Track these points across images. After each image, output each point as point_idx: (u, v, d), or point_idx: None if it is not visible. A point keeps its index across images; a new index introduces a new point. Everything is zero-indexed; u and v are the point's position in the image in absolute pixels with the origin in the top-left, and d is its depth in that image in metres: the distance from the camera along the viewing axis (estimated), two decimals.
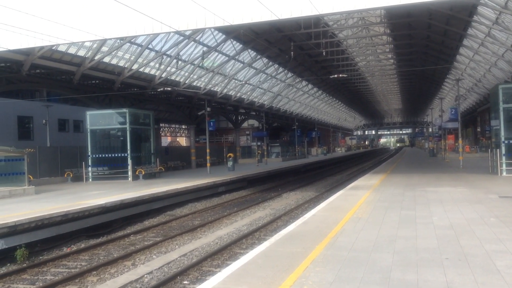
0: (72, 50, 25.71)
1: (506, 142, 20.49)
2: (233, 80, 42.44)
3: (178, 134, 74.87)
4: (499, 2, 24.27)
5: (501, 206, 11.38)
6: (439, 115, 52.68)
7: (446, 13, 28.97)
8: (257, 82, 46.62)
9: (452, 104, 53.27)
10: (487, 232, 8.36)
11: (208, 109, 32.91)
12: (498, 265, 6.23)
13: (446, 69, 47.93)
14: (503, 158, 20.48)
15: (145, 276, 9.94)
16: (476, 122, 65.35)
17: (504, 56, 33.52)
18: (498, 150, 20.89)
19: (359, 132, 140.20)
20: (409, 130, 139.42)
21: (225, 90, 43.07)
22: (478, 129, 64.51)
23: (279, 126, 69.70)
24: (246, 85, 45.09)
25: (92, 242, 13.70)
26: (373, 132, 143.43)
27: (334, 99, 77.74)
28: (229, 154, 35.29)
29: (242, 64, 39.85)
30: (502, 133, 20.56)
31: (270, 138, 62.87)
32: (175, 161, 40.29)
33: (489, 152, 24.02)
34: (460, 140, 32.00)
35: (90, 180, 26.60)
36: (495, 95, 21.54)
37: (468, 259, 6.56)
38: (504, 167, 20.43)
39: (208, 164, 32.23)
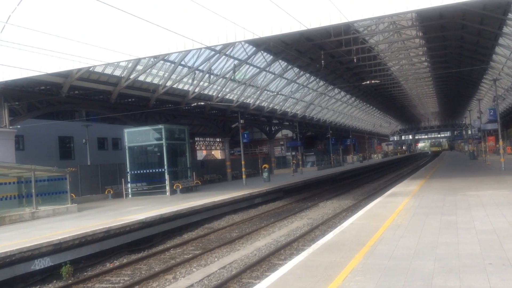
0: (108, 70, 26.55)
1: None
2: (265, 91, 42.65)
3: (213, 148, 75.56)
4: None
5: None
6: (477, 116, 51.24)
7: (479, 12, 28.31)
8: (289, 92, 46.69)
9: (490, 104, 51.71)
10: None
11: (242, 121, 33.19)
12: None
13: (483, 70, 46.63)
14: None
15: None
16: None
17: None
18: None
19: (395, 138, 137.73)
20: (448, 133, 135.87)
21: (257, 102, 43.33)
22: None
23: (313, 135, 69.38)
24: (278, 95, 45.19)
25: (134, 257, 13.99)
26: (410, 137, 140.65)
27: (368, 105, 76.84)
28: (264, 165, 35.38)
29: (273, 75, 40.03)
30: None
31: (305, 147, 62.65)
32: (211, 174, 40.68)
33: None
34: (500, 142, 31.04)
35: (130, 196, 27.20)
36: None
37: None
38: None
39: (243, 176, 32.41)
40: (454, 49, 41.92)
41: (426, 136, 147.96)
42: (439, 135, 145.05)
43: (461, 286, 5.62)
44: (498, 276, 5.86)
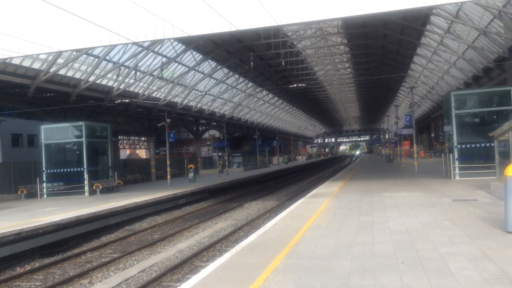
0: (26, 63, 24.98)
1: (459, 147, 21.22)
2: (194, 91, 42.22)
3: (137, 147, 73.58)
4: (451, 11, 25.27)
5: (454, 209, 11.74)
6: (394, 122, 54.13)
7: (400, 23, 29.90)
8: (218, 92, 46.58)
9: (407, 111, 54.86)
10: (441, 235, 8.59)
11: (168, 120, 32.60)
12: (452, 267, 6.40)
13: (401, 77, 49.41)
14: (456, 162, 21.18)
15: None
16: (430, 128, 67.53)
17: (456, 63, 34.85)
18: (451, 154, 21.60)
19: (319, 140, 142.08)
20: (367, 137, 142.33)
21: (185, 101, 42.79)
22: (432, 135, 66.67)
23: (240, 136, 69.75)
24: (207, 95, 44.93)
25: (47, 260, 13.23)
26: (333, 139, 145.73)
27: (295, 108, 78.60)
28: (190, 166, 35.00)
29: (202, 75, 39.72)
30: (455, 138, 21.28)
31: (232, 148, 62.79)
32: (134, 174, 39.55)
33: (442, 157, 24.82)
34: (415, 146, 32.94)
35: (45, 196, 25.74)
36: (447, 102, 22.31)
37: (423, 263, 6.72)
38: (457, 171, 21.12)
39: (168, 176, 31.85)
40: (376, 57, 44.02)
41: (347, 139, 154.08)
42: (359, 139, 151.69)
43: (375, 284, 5.82)
44: (410, 275, 6.14)
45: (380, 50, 40.94)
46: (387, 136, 74.01)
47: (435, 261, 6.77)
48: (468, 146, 21.34)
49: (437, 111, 52.40)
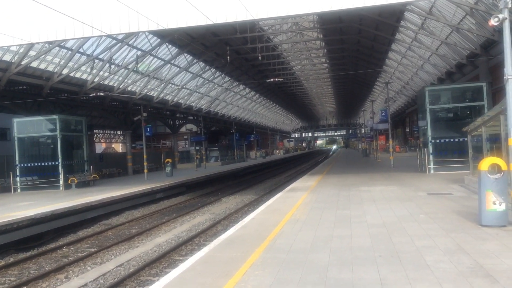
0: None
1: (433, 141, 21.61)
2: (170, 85, 41.86)
3: (113, 140, 72.62)
4: (424, 8, 25.66)
5: (429, 203, 11.98)
6: (370, 116, 54.79)
7: (375, 18, 30.22)
8: (194, 86, 46.28)
9: (382, 106, 55.58)
10: (417, 228, 8.76)
11: (144, 114, 32.24)
12: (428, 260, 6.54)
13: (376, 73, 50.00)
14: (431, 157, 21.58)
15: None
16: (405, 122, 68.62)
17: (429, 59, 35.45)
18: (425, 149, 22.00)
19: (296, 135, 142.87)
20: (344, 132, 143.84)
21: (161, 95, 42.39)
22: (407, 130, 67.76)
23: (218, 130, 69.58)
24: (183, 89, 44.62)
25: (22, 255, 12.98)
26: (310, 134, 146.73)
27: (272, 102, 78.75)
28: (167, 160, 34.75)
29: (178, 69, 39.40)
30: (429, 133, 21.65)
31: (209, 142, 62.60)
32: (110, 168, 39.08)
33: (417, 151, 25.26)
34: (390, 141, 33.42)
35: (19, 190, 25.21)
36: (422, 97, 22.69)
37: (400, 256, 6.84)
38: (431, 165, 21.52)
39: (145, 171, 31.57)
40: (352, 52, 44.42)
41: (324, 134, 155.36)
42: (336, 133, 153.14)
43: (354, 278, 5.90)
44: (387, 268, 6.24)
45: (356, 45, 41.33)
46: (363, 131, 74.91)
47: (412, 254, 6.90)
48: (442, 140, 21.76)
49: (412, 106, 53.25)
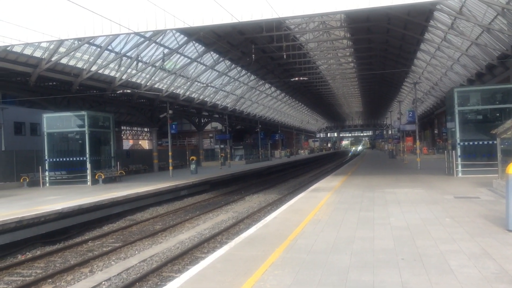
0: (28, 51, 24.92)
1: (461, 143, 21.13)
2: (196, 83, 42.16)
3: (140, 137, 73.55)
4: (454, 7, 25.11)
5: (456, 206, 11.72)
6: (397, 117, 54.01)
7: (404, 17, 29.74)
8: (220, 84, 46.49)
9: (410, 107, 54.69)
10: (442, 232, 8.58)
11: (170, 111, 32.54)
12: (452, 264, 6.39)
13: (404, 73, 49.21)
14: (459, 159, 21.11)
15: (103, 283, 9.70)
16: (433, 124, 67.35)
17: (459, 60, 34.66)
18: (454, 151, 21.53)
19: (321, 135, 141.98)
20: (370, 132, 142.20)
21: (187, 93, 42.72)
22: (435, 131, 66.51)
23: (243, 129, 69.74)
24: (209, 87, 44.89)
25: (48, 249, 13.29)
26: (335, 134, 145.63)
27: (297, 101, 78.46)
28: (192, 157, 35.02)
29: (204, 67, 39.63)
30: (458, 134, 21.18)
31: (234, 140, 62.80)
32: (137, 164, 39.62)
33: (445, 154, 24.76)
34: (417, 142, 32.85)
35: (48, 185, 25.82)
36: (450, 98, 22.21)
37: (423, 260, 6.71)
38: (459, 168, 21.04)
39: (170, 167, 31.88)
40: (379, 52, 43.84)
41: (350, 134, 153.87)
42: (362, 134, 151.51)
43: (375, 280, 5.81)
44: (409, 271, 6.13)
45: (384, 45, 40.77)
46: (390, 132, 73.93)
47: (436, 258, 6.76)
48: (471, 143, 21.26)
49: (441, 108, 52.22)
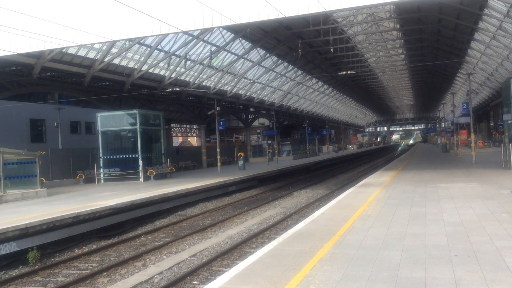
0: (82, 53, 25.93)
1: None
2: (243, 79, 42.44)
3: (189, 134, 75.02)
4: None
5: None
6: (451, 110, 52.18)
7: (456, 7, 28.65)
8: (267, 80, 46.57)
9: (464, 98, 52.71)
10: (498, 228, 8.25)
11: (218, 108, 32.95)
12: (508, 261, 6.14)
13: (458, 64, 47.41)
14: None
15: (155, 276, 9.98)
16: (489, 116, 64.60)
17: None
18: (510, 144, 20.59)
19: (370, 129, 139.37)
20: (422, 126, 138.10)
21: (234, 89, 43.09)
22: (491, 124, 63.76)
23: (290, 124, 69.57)
24: (256, 83, 45.06)
25: (103, 243, 13.80)
26: (385, 128, 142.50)
27: (345, 96, 77.38)
28: (240, 153, 35.32)
29: (251, 63, 39.83)
30: None
31: (281, 136, 62.78)
32: (186, 161, 40.40)
33: (502, 147, 23.71)
34: (472, 135, 31.64)
35: (102, 181, 26.82)
36: (507, 89, 21.26)
37: (477, 256, 6.48)
38: None
39: (218, 164, 32.27)
40: (431, 43, 42.44)
41: (400, 128, 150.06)
42: (413, 128, 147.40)
43: (427, 277, 5.67)
44: (463, 268, 5.94)
45: (435, 35, 39.42)
46: (443, 125, 71.56)
47: (491, 255, 6.51)
48: None
49: (497, 99, 50.00)
